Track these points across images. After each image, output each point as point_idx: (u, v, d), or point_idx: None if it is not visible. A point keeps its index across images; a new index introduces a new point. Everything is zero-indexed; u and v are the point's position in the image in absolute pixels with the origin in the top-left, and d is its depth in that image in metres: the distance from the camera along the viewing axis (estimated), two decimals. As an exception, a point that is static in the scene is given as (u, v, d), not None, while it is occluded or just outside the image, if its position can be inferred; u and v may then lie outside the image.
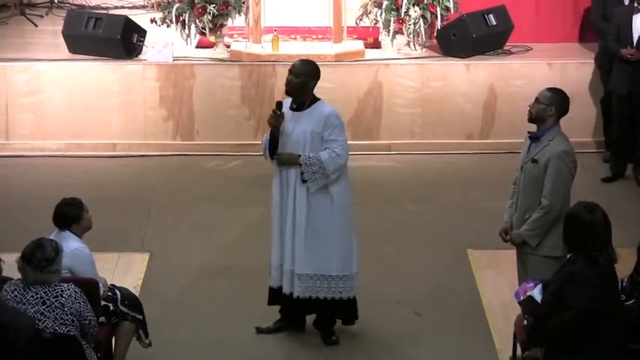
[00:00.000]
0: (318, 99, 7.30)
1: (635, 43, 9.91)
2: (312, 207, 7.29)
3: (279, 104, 7.28)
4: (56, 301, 6.16)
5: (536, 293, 6.07)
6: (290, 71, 7.23)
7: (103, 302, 6.89)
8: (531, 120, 6.97)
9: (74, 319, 6.20)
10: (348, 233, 7.43)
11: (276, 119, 7.22)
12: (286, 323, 7.68)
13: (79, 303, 6.24)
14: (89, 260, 7.00)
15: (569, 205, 6.74)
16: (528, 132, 7.00)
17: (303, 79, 7.20)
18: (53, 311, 6.12)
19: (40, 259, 6.13)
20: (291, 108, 7.29)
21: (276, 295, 7.54)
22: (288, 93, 7.28)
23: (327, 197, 7.29)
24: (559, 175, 6.80)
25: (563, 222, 6.38)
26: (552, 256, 6.81)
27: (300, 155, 7.16)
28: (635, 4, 9.95)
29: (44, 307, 6.12)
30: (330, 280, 7.38)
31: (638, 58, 9.87)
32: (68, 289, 6.22)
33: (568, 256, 6.07)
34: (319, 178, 7.16)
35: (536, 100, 6.95)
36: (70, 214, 7.05)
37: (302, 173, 7.15)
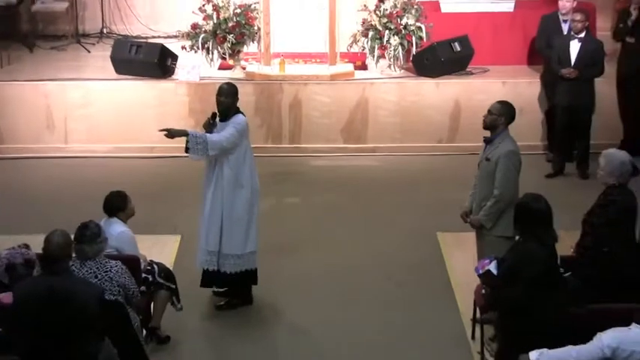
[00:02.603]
0: (239, 112, 7.33)
1: (572, 64, 9.94)
2: (225, 196, 7.30)
3: (215, 115, 7.31)
4: (106, 275, 6.18)
5: (493, 268, 6.10)
6: (220, 94, 7.25)
7: (143, 275, 6.93)
8: (485, 127, 7.01)
9: (120, 289, 6.23)
10: (244, 219, 7.36)
11: (209, 126, 7.29)
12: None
13: (124, 277, 6.26)
14: (132, 241, 7.03)
15: (518, 194, 6.80)
16: (484, 137, 7.05)
17: (231, 100, 7.26)
18: (103, 284, 6.13)
19: (90, 235, 6.16)
20: (220, 119, 7.32)
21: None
22: (221, 112, 7.27)
23: (238, 190, 7.30)
24: (507, 171, 6.84)
25: (512, 208, 6.44)
26: (504, 236, 6.85)
27: (187, 130, 7.21)
28: (572, 33, 9.98)
29: (96, 280, 6.13)
30: (231, 257, 7.39)
31: (575, 76, 9.90)
32: (116, 266, 6.25)
33: (518, 237, 6.10)
34: (200, 150, 7.10)
35: (489, 111, 6.99)
36: (116, 204, 7.08)
37: (187, 142, 7.10)
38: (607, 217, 6.30)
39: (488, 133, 7.02)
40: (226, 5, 10.94)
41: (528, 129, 10.68)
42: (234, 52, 11.06)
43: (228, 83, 7.41)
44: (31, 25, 12.67)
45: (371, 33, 10.94)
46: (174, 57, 11.14)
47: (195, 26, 11.01)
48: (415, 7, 10.97)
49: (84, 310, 5.46)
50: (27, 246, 6.56)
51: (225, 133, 7.17)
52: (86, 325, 5.48)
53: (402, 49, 10.95)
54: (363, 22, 11.00)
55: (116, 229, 6.90)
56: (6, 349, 5.68)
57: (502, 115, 6.92)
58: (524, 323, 5.82)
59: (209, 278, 7.55)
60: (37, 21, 12.83)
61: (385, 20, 10.88)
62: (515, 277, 5.83)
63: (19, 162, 10.46)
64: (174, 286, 7.11)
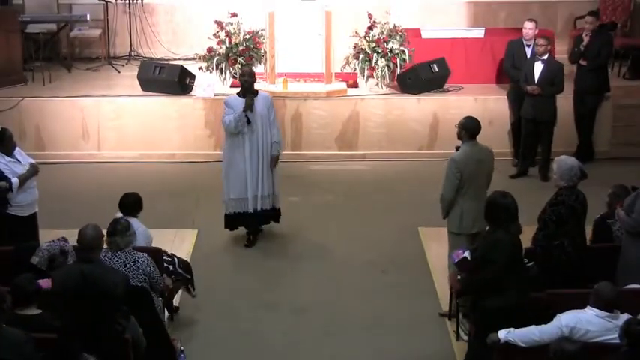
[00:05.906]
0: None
1: (536, 82, 9.92)
2: (267, 148, 8.04)
3: (253, 97, 8.01)
4: (134, 264, 6.15)
5: (468, 255, 6.09)
6: (252, 75, 8.16)
7: (165, 265, 6.88)
8: (458, 137, 7.05)
9: (146, 277, 6.19)
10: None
11: (253, 101, 7.93)
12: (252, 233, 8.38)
13: (150, 267, 6.23)
14: (146, 235, 6.97)
15: (460, 195, 6.86)
16: (456, 146, 7.06)
17: (254, 79, 8.21)
18: (131, 272, 6.10)
19: (121, 229, 6.15)
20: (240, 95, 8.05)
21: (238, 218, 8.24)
22: (250, 87, 8.05)
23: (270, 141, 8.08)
24: (446, 176, 6.91)
25: (457, 209, 6.66)
26: (451, 231, 6.99)
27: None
28: (536, 56, 9.96)
29: (125, 268, 6.10)
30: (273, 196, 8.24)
31: (538, 93, 9.87)
32: (142, 257, 6.21)
33: (487, 228, 6.09)
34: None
35: (456, 125, 7.04)
36: (135, 206, 6.99)
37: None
38: (556, 215, 6.29)
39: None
40: (237, 32, 10.92)
41: (497, 138, 10.64)
42: (244, 72, 11.02)
43: (247, 65, 8.47)
44: (69, 49, 12.66)
45: (361, 56, 10.92)
46: (192, 76, 11.11)
47: (210, 50, 10.98)
48: (399, 33, 10.96)
49: (111, 293, 5.46)
50: (65, 239, 6.54)
51: (276, 124, 8.22)
52: (113, 306, 5.47)
53: (388, 70, 10.93)
54: (355, 47, 10.97)
55: (134, 226, 6.84)
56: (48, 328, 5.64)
57: (462, 129, 6.96)
58: (493, 304, 5.80)
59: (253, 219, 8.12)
60: (75, 45, 12.84)
61: (374, 45, 10.86)
62: (486, 261, 5.83)
63: (59, 166, 10.43)
64: (190, 277, 7.08)
